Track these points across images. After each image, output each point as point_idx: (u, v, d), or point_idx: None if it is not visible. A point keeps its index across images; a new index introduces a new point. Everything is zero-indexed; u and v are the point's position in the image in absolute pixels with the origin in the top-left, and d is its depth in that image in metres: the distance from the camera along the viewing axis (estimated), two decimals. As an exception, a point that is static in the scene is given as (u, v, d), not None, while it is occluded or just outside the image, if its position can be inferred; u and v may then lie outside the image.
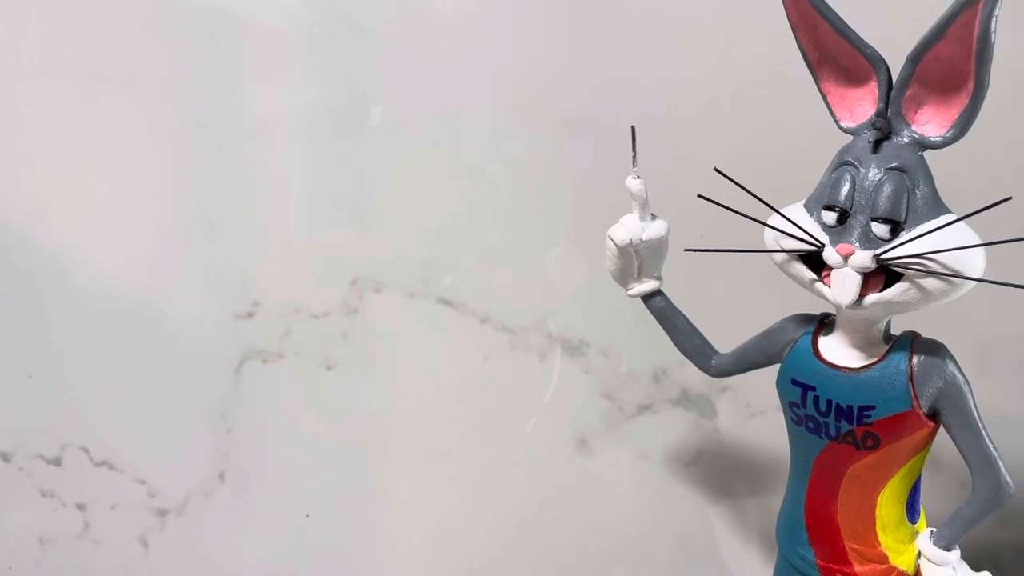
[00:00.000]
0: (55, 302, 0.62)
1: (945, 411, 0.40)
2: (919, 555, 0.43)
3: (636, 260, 0.46)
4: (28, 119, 0.59)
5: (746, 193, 0.40)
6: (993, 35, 0.34)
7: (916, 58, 0.37)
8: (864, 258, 0.38)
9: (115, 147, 0.60)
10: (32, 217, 0.60)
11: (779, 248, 0.41)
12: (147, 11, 0.58)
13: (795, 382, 0.43)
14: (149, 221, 0.61)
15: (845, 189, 0.39)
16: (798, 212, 0.41)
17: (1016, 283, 0.36)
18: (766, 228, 0.42)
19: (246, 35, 0.59)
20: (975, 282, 0.37)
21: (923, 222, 0.38)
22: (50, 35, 0.58)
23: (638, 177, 0.44)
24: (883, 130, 0.39)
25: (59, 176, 0.60)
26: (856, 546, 0.44)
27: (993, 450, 0.40)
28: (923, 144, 0.38)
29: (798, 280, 0.42)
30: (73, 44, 0.58)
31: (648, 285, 0.47)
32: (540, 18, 0.60)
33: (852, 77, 0.40)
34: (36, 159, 0.60)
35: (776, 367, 0.45)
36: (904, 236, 0.38)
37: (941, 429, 0.41)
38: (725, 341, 0.48)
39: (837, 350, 0.42)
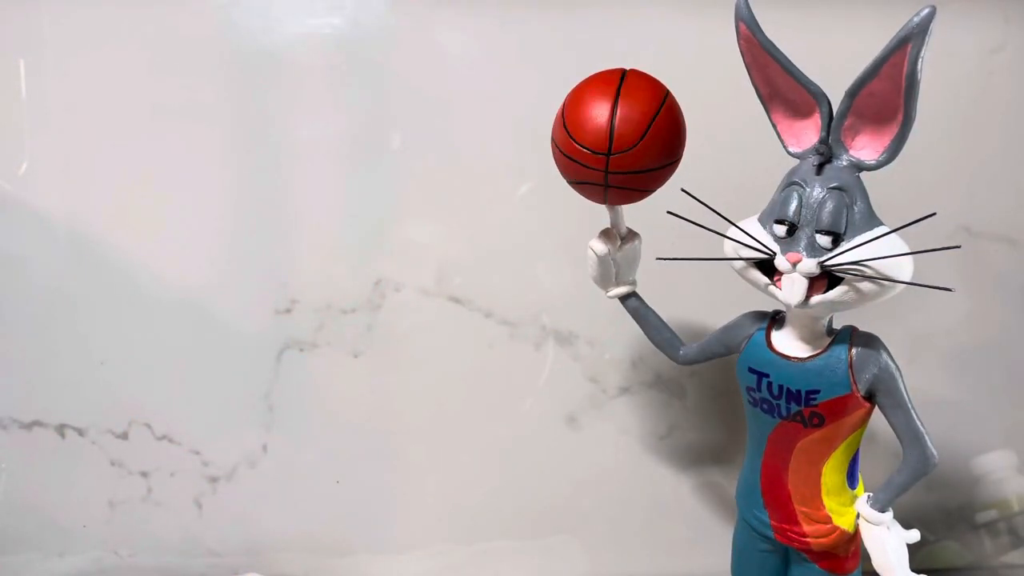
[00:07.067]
0: (125, 300, 0.61)
1: (880, 394, 0.40)
2: (858, 516, 0.43)
3: (613, 267, 0.46)
4: (104, 144, 0.59)
5: (708, 210, 0.40)
6: (919, 74, 0.34)
7: (853, 93, 0.37)
8: (810, 265, 0.38)
9: (176, 168, 0.60)
10: (106, 228, 0.60)
11: (737, 256, 0.41)
12: (206, 54, 0.58)
13: (751, 370, 0.43)
14: (204, 232, 0.61)
15: (793, 205, 0.39)
16: (753, 225, 0.41)
17: (938, 285, 0.36)
18: (726, 239, 0.42)
19: (287, 73, 0.58)
20: (904, 284, 0.38)
21: (860, 234, 0.38)
22: (125, 74, 0.58)
23: (616, 196, 0.43)
24: (825, 155, 0.39)
25: (128, 193, 0.60)
26: (805, 509, 0.44)
27: (921, 427, 0.40)
28: (859, 167, 0.38)
29: (753, 284, 0.42)
30: (144, 81, 0.58)
31: (624, 288, 0.47)
32: (534, 61, 0.59)
33: (798, 109, 0.40)
34: (109, 179, 0.59)
35: (735, 356, 0.45)
36: (844, 246, 0.38)
37: (876, 409, 0.41)
38: (691, 335, 0.48)
39: (787, 342, 0.42)
